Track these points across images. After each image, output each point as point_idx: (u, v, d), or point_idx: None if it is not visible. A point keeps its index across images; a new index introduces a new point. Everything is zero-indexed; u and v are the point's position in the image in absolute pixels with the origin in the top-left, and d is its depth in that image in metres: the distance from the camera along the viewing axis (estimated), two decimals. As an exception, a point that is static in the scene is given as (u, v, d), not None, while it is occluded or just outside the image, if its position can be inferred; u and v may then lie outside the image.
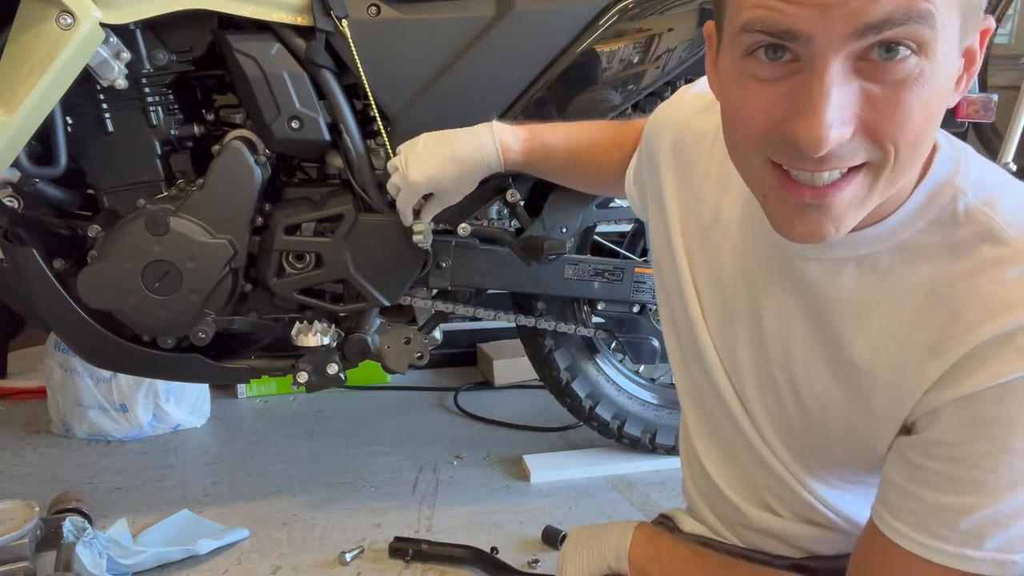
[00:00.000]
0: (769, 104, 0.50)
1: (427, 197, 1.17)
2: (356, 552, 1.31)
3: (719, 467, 0.79)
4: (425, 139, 1.13)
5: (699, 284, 0.74)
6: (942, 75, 0.49)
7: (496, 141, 1.06)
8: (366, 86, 1.23)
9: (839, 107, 0.47)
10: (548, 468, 1.60)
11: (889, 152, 0.50)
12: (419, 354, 1.40)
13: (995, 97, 1.30)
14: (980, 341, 0.54)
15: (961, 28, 0.49)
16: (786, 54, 0.49)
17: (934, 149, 0.59)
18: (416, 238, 1.24)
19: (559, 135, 1.05)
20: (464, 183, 1.12)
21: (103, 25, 1.09)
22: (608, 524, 0.85)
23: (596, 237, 1.55)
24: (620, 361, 1.63)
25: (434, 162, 1.11)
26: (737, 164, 0.58)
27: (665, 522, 0.88)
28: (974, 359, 0.54)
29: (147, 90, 1.22)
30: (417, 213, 1.22)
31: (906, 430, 0.61)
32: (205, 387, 1.89)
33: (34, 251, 1.21)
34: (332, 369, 1.33)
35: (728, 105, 0.55)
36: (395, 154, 1.17)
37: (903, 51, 0.47)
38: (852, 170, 0.51)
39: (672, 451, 1.60)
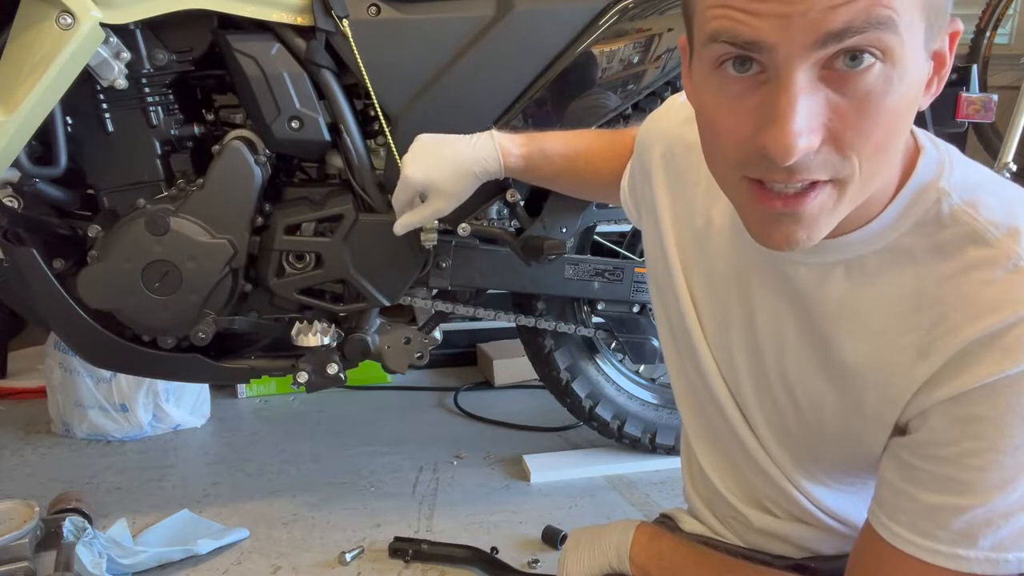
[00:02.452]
0: (740, 120, 0.51)
1: (422, 201, 1.15)
2: (356, 552, 1.31)
3: (718, 470, 0.80)
4: (425, 138, 1.12)
5: (695, 291, 0.75)
6: (910, 80, 0.49)
7: (497, 145, 1.06)
8: (368, 86, 1.23)
9: (807, 116, 0.48)
10: (548, 468, 1.60)
11: (853, 164, 0.50)
12: (419, 354, 1.40)
13: (995, 97, 1.30)
14: (967, 342, 0.54)
15: (926, 32, 0.49)
16: (753, 65, 0.49)
17: (917, 151, 0.59)
18: (424, 236, 1.24)
19: (557, 142, 1.05)
20: (460, 186, 1.10)
21: (103, 25, 1.09)
22: (609, 524, 0.85)
23: (596, 237, 1.55)
24: (620, 361, 1.63)
25: (433, 160, 1.09)
26: (714, 174, 0.58)
27: (666, 522, 0.89)
28: (961, 360, 0.55)
29: (147, 90, 1.22)
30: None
31: (900, 431, 0.61)
32: (205, 387, 1.89)
33: (34, 251, 1.21)
34: (332, 369, 1.33)
35: (702, 119, 0.56)
36: (399, 157, 1.17)
37: (868, 58, 0.47)
38: (819, 182, 0.51)
39: (672, 451, 1.61)
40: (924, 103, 0.54)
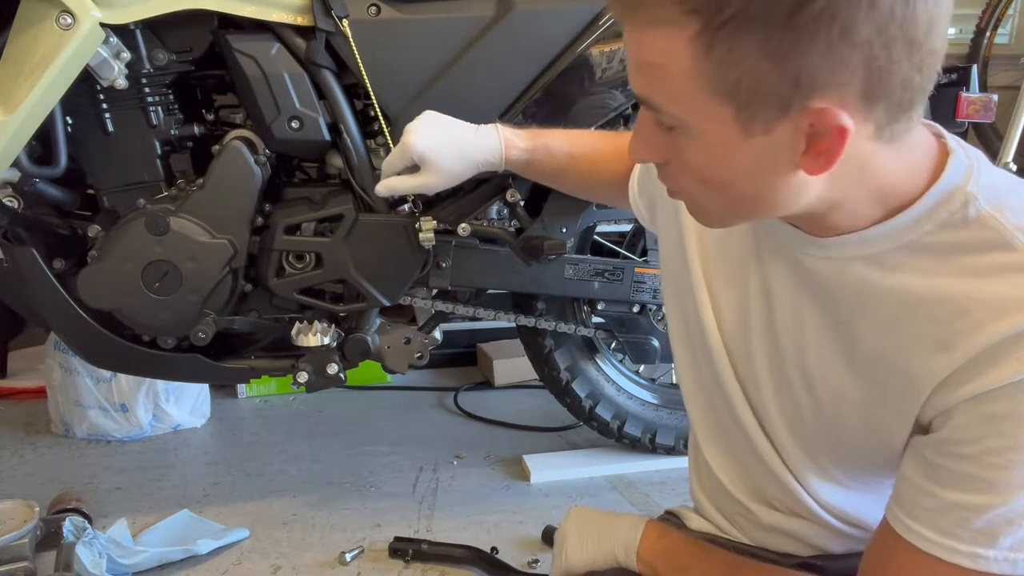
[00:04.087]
0: None
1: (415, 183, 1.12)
2: (356, 552, 1.31)
3: (726, 469, 0.80)
4: (433, 114, 1.11)
5: (714, 291, 0.75)
6: (716, 150, 0.56)
7: (500, 138, 1.06)
8: (368, 86, 1.23)
9: (641, 139, 0.61)
10: (548, 468, 1.60)
11: (685, 188, 0.62)
12: (419, 354, 1.40)
13: (995, 97, 1.30)
14: (992, 341, 0.54)
15: (740, 114, 0.52)
16: None
17: (946, 154, 0.59)
18: (423, 236, 1.24)
19: (561, 140, 1.05)
20: (458, 168, 1.08)
21: (103, 25, 1.09)
22: (615, 515, 0.85)
23: (596, 237, 1.55)
24: (620, 361, 1.63)
25: (437, 135, 1.08)
26: None
27: (671, 519, 0.88)
28: (986, 358, 0.55)
29: (147, 90, 1.22)
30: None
31: (923, 429, 0.61)
32: (205, 387, 1.89)
33: (34, 251, 1.21)
34: (332, 369, 1.33)
35: None
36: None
37: (667, 119, 0.57)
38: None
39: (672, 451, 1.60)
40: (811, 170, 0.54)
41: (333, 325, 1.35)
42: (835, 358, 0.64)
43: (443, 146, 1.07)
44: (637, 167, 0.91)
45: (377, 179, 1.29)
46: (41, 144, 1.17)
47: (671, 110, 0.55)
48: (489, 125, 1.08)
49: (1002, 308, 0.54)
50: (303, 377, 1.33)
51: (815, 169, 0.54)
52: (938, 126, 0.62)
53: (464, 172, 1.09)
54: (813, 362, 0.66)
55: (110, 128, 1.22)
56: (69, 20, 1.05)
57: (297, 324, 1.33)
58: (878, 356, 0.61)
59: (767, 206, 0.59)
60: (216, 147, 1.26)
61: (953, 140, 0.61)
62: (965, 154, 0.60)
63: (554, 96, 1.29)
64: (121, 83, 1.16)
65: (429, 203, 1.30)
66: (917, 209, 0.58)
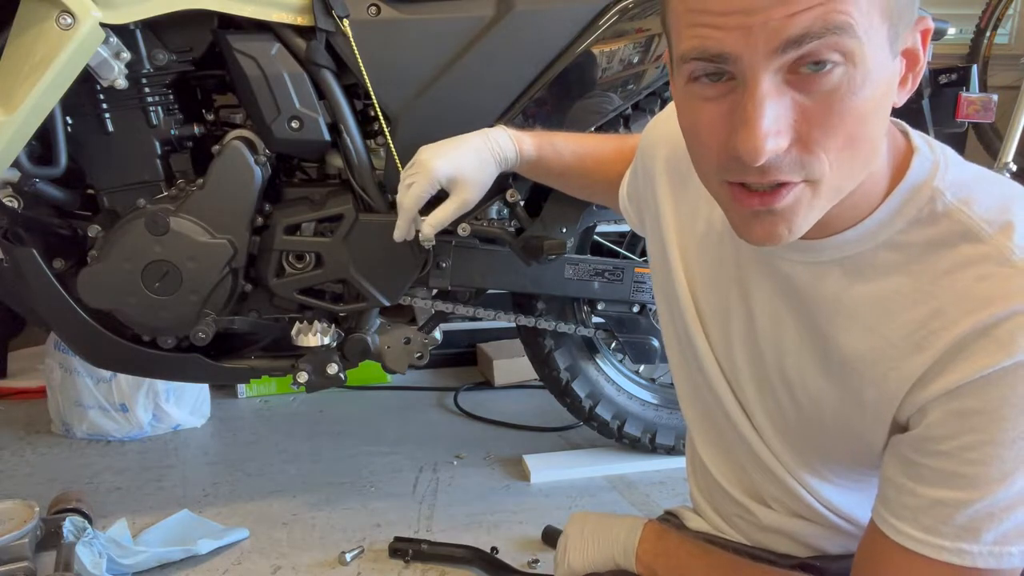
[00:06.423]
0: (716, 123, 0.54)
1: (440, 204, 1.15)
2: (356, 552, 1.31)
3: (723, 470, 0.80)
4: (439, 143, 1.12)
5: (697, 294, 0.75)
6: (875, 80, 0.51)
7: (510, 135, 1.07)
8: (368, 86, 1.23)
9: (773, 119, 0.50)
10: (548, 468, 1.60)
11: (823, 163, 0.52)
12: (419, 354, 1.40)
13: (995, 97, 1.30)
14: (961, 336, 0.55)
15: (890, 32, 0.51)
16: (724, 76, 0.52)
17: (911, 152, 0.60)
18: (423, 237, 1.24)
19: (567, 139, 1.07)
20: (485, 174, 1.10)
21: (103, 25, 1.09)
22: (615, 517, 0.85)
23: (596, 237, 1.55)
24: (620, 361, 1.63)
25: (453, 153, 1.09)
26: (701, 180, 0.61)
27: (671, 519, 0.89)
28: (955, 353, 0.55)
29: (147, 90, 1.22)
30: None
31: (902, 428, 0.61)
32: (205, 387, 1.89)
33: (34, 251, 1.21)
34: (332, 369, 1.33)
35: (685, 128, 0.58)
36: (399, 157, 1.17)
37: (830, 64, 0.49)
38: (791, 182, 0.53)
39: (672, 451, 1.61)
40: (900, 99, 0.56)
41: (333, 325, 1.35)
42: (811, 363, 0.65)
43: (464, 160, 1.09)
44: (631, 169, 0.91)
45: (377, 179, 1.30)
46: (41, 144, 1.17)
47: (861, 35, 0.48)
48: (496, 127, 1.10)
49: (971, 304, 0.55)
50: (303, 377, 1.33)
51: (901, 96, 0.55)
52: (904, 124, 0.63)
53: (491, 177, 1.11)
54: (791, 366, 0.67)
55: (110, 128, 1.22)
56: (69, 20, 1.05)
57: (297, 324, 1.33)
58: (854, 363, 0.62)
59: (874, 153, 0.55)
60: (216, 147, 1.26)
61: (918, 137, 0.61)
62: (931, 150, 0.60)
63: (554, 97, 1.29)
64: (121, 83, 1.16)
65: (429, 204, 1.30)
66: (885, 208, 0.59)
